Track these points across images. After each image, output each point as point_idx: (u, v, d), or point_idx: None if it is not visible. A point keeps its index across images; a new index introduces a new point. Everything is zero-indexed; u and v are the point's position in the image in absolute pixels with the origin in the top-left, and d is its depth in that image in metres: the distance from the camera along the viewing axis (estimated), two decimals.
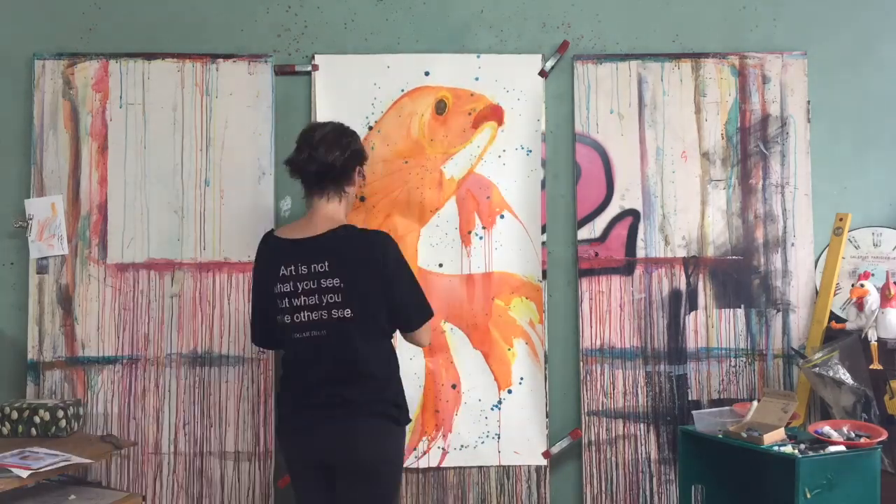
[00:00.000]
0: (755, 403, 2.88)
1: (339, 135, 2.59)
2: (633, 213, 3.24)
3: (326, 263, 2.42)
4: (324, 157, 2.51)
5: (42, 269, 3.13)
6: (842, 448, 2.66)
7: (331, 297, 2.41)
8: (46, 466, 2.50)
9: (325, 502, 2.51)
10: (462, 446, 3.15)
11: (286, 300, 2.44)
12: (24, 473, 2.42)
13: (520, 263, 3.20)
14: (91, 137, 3.16)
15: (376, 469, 2.45)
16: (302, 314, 2.43)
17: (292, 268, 2.44)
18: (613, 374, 3.20)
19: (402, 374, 3.19)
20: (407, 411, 2.57)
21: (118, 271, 3.14)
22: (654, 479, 3.19)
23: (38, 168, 3.15)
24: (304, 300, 2.42)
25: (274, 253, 2.52)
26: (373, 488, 2.46)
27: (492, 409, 3.16)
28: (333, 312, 2.41)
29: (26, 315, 3.12)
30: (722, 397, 3.20)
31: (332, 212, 2.56)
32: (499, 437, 3.16)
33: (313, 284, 2.42)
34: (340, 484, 2.46)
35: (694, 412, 2.96)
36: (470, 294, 3.18)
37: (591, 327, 3.21)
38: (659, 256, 3.24)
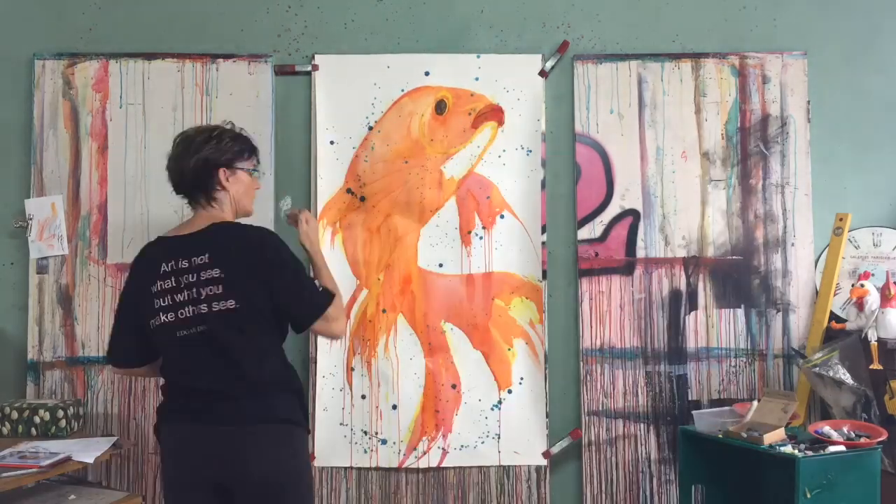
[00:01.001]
0: (755, 403, 2.88)
1: (190, 140, 2.33)
2: (633, 213, 3.24)
3: (207, 256, 2.21)
4: (179, 166, 2.31)
5: (42, 269, 3.13)
6: (842, 448, 2.65)
7: (211, 290, 2.19)
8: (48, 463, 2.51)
9: None
10: (462, 446, 3.15)
11: (167, 297, 2.21)
12: (32, 472, 2.43)
13: (520, 263, 3.20)
14: (91, 137, 3.16)
15: (277, 484, 2.16)
16: (186, 309, 2.20)
17: (173, 263, 2.22)
18: (613, 374, 3.20)
19: (401, 374, 3.19)
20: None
21: (118, 271, 3.14)
22: (654, 479, 3.19)
23: (38, 168, 3.15)
24: (187, 294, 2.20)
25: (154, 253, 2.30)
26: None
27: (492, 409, 3.16)
28: (214, 305, 2.18)
29: (26, 315, 3.12)
30: (722, 397, 3.20)
31: (215, 214, 2.34)
32: (499, 437, 3.16)
33: (193, 278, 2.20)
34: None
35: (694, 412, 2.96)
36: (470, 294, 3.18)
37: (591, 327, 3.21)
38: (659, 256, 3.24)
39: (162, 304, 2.20)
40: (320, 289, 2.33)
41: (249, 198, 2.41)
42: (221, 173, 2.32)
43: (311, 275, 2.46)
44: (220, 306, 2.18)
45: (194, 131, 2.36)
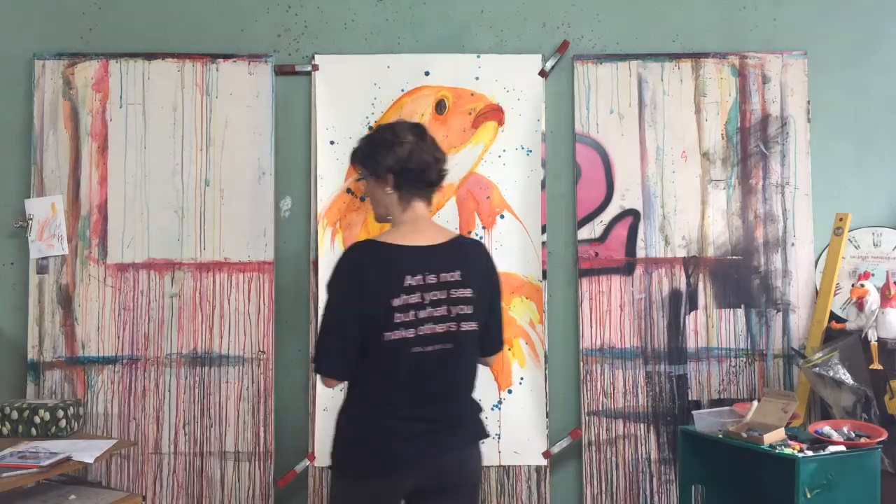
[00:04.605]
0: (755, 403, 2.88)
1: (424, 133, 2.26)
2: (633, 213, 3.24)
3: (458, 273, 2.17)
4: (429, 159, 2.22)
5: (42, 269, 3.13)
6: (842, 448, 2.65)
7: (461, 308, 2.17)
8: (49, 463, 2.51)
9: None
10: None
11: (411, 312, 2.12)
12: (32, 472, 2.43)
13: (520, 263, 3.20)
14: (91, 137, 3.16)
15: (478, 487, 2.36)
16: (427, 326, 2.14)
17: (420, 277, 2.14)
18: (613, 374, 3.20)
19: None
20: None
21: (118, 271, 3.14)
22: (654, 479, 3.19)
23: (38, 168, 3.15)
24: (430, 311, 2.14)
25: (389, 263, 2.16)
26: None
27: (492, 409, 3.16)
28: (463, 325, 2.18)
29: (26, 315, 3.12)
30: (722, 397, 3.20)
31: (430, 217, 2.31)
32: (499, 437, 3.15)
33: (442, 295, 2.15)
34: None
35: (694, 412, 2.96)
36: None
37: (591, 327, 3.21)
38: (659, 256, 3.24)
39: (404, 318, 2.11)
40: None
41: None
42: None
43: None
44: (467, 326, 2.17)
45: (414, 126, 2.25)
